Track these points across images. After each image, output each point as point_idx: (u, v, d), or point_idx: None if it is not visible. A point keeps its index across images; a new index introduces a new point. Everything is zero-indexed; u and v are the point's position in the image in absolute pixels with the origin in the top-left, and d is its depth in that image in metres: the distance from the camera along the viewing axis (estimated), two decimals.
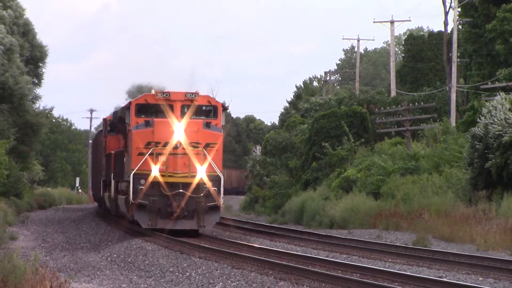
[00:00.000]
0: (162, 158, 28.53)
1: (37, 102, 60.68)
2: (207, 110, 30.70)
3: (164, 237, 31.24)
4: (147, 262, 23.93)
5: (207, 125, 29.43)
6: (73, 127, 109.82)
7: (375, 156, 47.02)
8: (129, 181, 29.53)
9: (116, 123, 38.30)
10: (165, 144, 28.59)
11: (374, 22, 70.28)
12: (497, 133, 31.56)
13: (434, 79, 70.33)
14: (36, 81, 59.77)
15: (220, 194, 28.86)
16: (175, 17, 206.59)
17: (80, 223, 44.59)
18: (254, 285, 17.06)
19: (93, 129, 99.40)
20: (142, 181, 28.52)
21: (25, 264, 13.58)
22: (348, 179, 44.85)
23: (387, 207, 37.77)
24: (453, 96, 55.92)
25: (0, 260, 13.57)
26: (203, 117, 30.02)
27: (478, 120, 35.27)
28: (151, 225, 28.78)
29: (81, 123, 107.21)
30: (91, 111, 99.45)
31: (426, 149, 47.06)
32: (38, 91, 60.66)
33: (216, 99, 31.95)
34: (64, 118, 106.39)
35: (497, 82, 47.35)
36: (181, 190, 28.48)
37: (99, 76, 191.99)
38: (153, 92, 30.40)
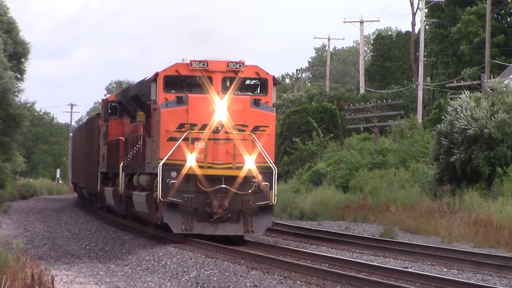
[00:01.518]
0: (200, 145, 21.69)
1: (20, 95, 60.82)
2: (255, 84, 23.60)
3: (140, 226, 29.88)
4: (124, 251, 23.85)
5: (256, 102, 22.28)
6: (55, 121, 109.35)
7: (344, 151, 47.27)
8: (155, 174, 22.85)
9: (125, 103, 30.73)
10: (203, 127, 21.71)
11: (344, 22, 70.76)
12: (463, 127, 31.77)
13: (402, 77, 70.87)
14: (19, 76, 60.80)
15: (272, 191, 22.05)
16: (155, 15, 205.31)
17: (60, 213, 44.44)
18: (227, 273, 16.78)
19: (73, 123, 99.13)
20: (174, 174, 21.65)
21: (7, 252, 13.36)
22: (318, 173, 45.15)
23: (355, 200, 37.99)
24: (420, 94, 56.42)
25: None
26: (249, 93, 23.17)
27: (444, 117, 35.64)
28: (186, 229, 21.87)
29: (62, 117, 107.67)
30: (72, 105, 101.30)
31: (393, 145, 47.47)
32: (21, 85, 61.19)
33: (267, 71, 23.74)
34: (46, 112, 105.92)
35: (462, 81, 47.99)
36: (223, 186, 21.70)
37: (79, 72, 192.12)
38: (187, 61, 22.92)
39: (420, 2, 60.67)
